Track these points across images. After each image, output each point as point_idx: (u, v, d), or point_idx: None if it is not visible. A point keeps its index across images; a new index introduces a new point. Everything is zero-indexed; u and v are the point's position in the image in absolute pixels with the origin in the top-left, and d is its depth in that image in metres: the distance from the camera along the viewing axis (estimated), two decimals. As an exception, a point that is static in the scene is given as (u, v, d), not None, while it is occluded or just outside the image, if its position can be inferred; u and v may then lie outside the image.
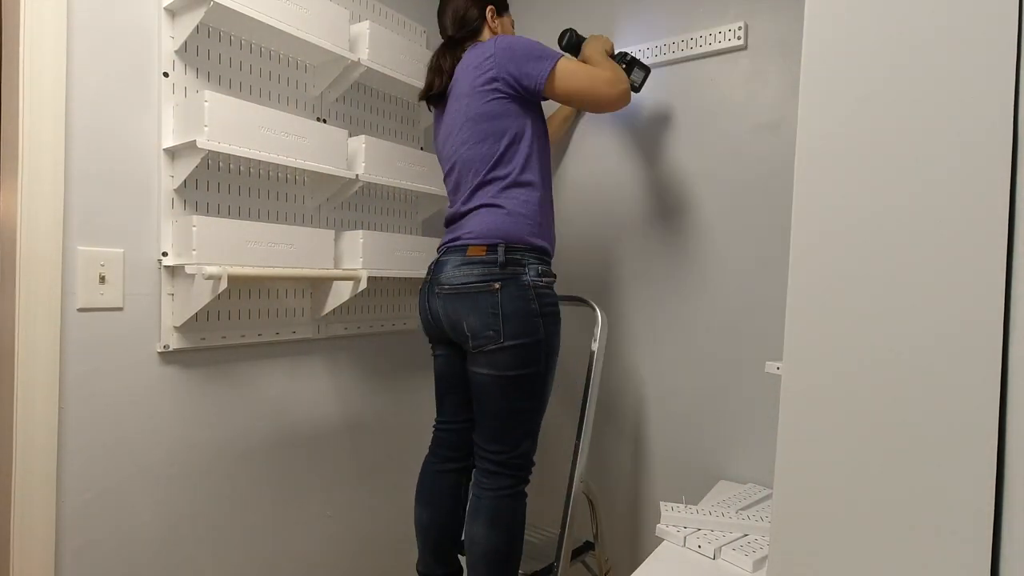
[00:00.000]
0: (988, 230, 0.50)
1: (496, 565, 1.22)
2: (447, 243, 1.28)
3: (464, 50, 1.32)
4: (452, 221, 1.31)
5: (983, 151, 0.50)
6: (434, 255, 1.65)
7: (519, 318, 1.17)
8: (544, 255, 1.25)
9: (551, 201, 1.32)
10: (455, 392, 1.34)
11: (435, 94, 1.33)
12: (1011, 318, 0.49)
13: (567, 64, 1.24)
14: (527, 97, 1.26)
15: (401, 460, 1.74)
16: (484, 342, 1.18)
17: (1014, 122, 0.49)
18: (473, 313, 1.19)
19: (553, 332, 1.23)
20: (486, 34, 1.37)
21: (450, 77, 1.31)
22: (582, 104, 1.29)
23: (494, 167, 1.24)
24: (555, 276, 1.27)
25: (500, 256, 1.18)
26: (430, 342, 1.37)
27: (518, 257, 1.20)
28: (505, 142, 1.24)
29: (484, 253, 1.20)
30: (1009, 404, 0.50)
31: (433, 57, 1.36)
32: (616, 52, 1.48)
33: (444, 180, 1.38)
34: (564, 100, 1.27)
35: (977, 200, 0.50)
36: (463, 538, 1.30)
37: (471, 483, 1.30)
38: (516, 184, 1.24)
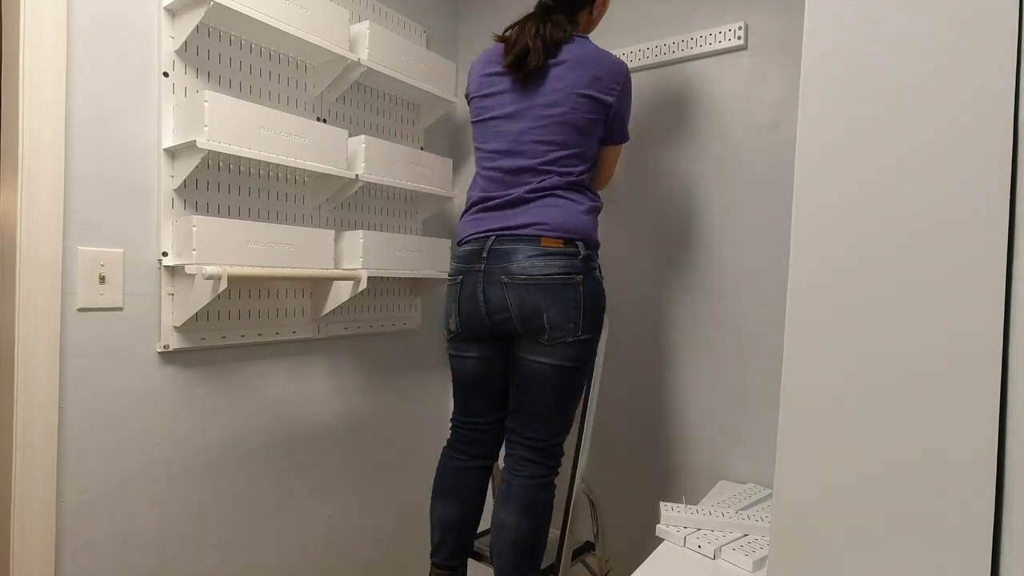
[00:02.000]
0: (989, 230, 0.50)
1: (523, 553, 1.23)
2: (502, 230, 1.22)
3: (557, 24, 1.23)
4: (507, 205, 1.23)
5: (984, 150, 0.50)
6: (438, 253, 1.65)
7: (594, 312, 1.21)
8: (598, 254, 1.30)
9: None
10: (490, 391, 1.32)
11: (530, 69, 1.21)
12: (1011, 318, 0.49)
13: (620, 150, 1.36)
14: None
15: (401, 460, 1.74)
16: (563, 334, 1.18)
17: (1014, 121, 0.49)
18: (557, 304, 1.17)
19: (601, 327, 1.29)
20: (584, 18, 1.30)
21: (545, 54, 1.21)
22: (597, 174, 1.35)
23: (570, 161, 1.23)
24: None
25: (581, 251, 1.20)
26: (461, 340, 1.29)
27: (591, 254, 1.23)
28: (584, 140, 1.24)
29: (562, 246, 1.19)
30: (1009, 404, 0.49)
31: (529, 24, 1.23)
32: None
33: (489, 153, 1.27)
34: (598, 165, 1.34)
35: (978, 199, 0.50)
36: (492, 523, 1.30)
37: (501, 470, 1.31)
38: (587, 183, 1.27)
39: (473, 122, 1.32)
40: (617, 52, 1.65)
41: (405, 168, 1.54)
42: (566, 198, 1.22)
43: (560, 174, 1.22)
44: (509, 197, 1.23)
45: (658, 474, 1.62)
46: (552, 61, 1.22)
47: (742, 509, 1.26)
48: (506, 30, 1.28)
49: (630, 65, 1.63)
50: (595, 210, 1.26)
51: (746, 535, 1.15)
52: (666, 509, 1.21)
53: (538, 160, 1.22)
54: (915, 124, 0.53)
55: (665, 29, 1.59)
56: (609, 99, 1.23)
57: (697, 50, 1.52)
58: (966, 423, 0.50)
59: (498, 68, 1.26)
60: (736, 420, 1.49)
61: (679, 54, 1.55)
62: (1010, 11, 0.49)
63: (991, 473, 0.49)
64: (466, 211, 1.31)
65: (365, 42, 1.43)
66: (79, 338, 1.08)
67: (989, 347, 0.49)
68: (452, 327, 1.29)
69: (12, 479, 1.01)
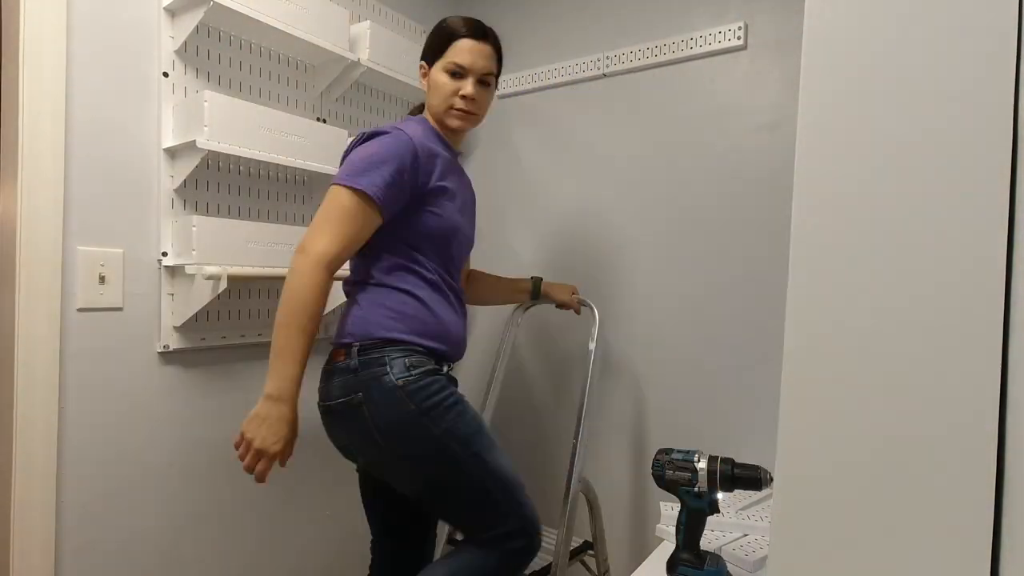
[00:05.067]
0: (988, 229, 0.50)
1: None
2: None
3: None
4: None
5: (983, 150, 0.50)
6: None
7: (397, 429, 0.99)
8: (410, 347, 1.03)
9: (446, 287, 1.12)
10: (376, 503, 1.20)
11: None
12: (1011, 318, 0.49)
13: (337, 198, 1.00)
14: None
15: (401, 460, 1.74)
16: (377, 465, 1.09)
17: (1014, 121, 0.49)
18: (349, 435, 1.05)
19: (451, 420, 1.01)
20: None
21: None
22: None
23: (359, 263, 1.11)
24: (439, 363, 1.07)
25: (353, 359, 1.00)
26: None
27: (376, 356, 1.00)
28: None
29: (343, 358, 1.02)
30: (1009, 404, 0.50)
31: None
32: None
33: None
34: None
35: (977, 199, 0.50)
36: None
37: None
38: (376, 281, 1.08)
39: None
40: (617, 52, 1.65)
41: (405, 168, 1.54)
42: (354, 299, 1.08)
43: (358, 277, 1.10)
44: None
45: (658, 474, 1.62)
46: None
47: (742, 509, 1.26)
48: None
49: (630, 64, 1.64)
50: (389, 302, 1.05)
51: (746, 535, 1.15)
52: (666, 509, 1.21)
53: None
54: (915, 124, 0.53)
55: (665, 29, 1.59)
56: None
57: (697, 50, 1.52)
58: (966, 422, 0.50)
59: None
60: (736, 419, 1.49)
61: (679, 54, 1.55)
62: (1010, 11, 0.49)
63: (991, 472, 0.49)
64: None
65: (365, 42, 1.43)
66: (79, 338, 1.08)
67: (989, 345, 0.49)
68: None
69: (12, 479, 1.01)
